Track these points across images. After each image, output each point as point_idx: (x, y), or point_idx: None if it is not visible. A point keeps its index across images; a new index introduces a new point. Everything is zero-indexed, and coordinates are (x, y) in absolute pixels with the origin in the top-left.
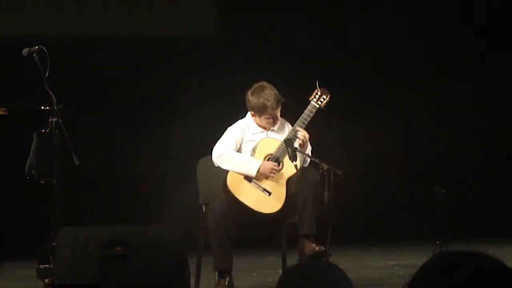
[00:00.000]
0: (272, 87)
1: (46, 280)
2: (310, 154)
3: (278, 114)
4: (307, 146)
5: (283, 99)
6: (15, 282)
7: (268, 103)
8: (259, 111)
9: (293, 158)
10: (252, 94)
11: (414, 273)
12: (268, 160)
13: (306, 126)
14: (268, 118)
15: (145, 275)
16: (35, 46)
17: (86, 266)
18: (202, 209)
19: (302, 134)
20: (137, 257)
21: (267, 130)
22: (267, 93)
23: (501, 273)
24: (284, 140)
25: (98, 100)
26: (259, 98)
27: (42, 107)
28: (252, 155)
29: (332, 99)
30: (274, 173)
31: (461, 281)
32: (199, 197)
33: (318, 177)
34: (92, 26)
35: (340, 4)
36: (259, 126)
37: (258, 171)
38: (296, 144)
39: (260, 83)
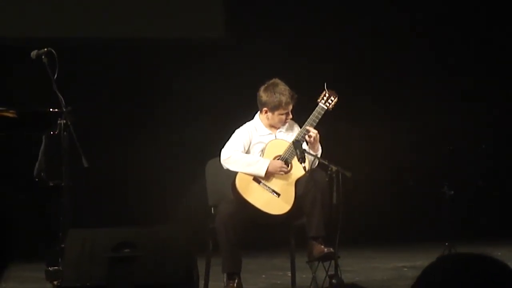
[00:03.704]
0: (284, 83)
1: (55, 282)
2: (319, 156)
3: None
4: (318, 146)
5: (296, 95)
6: (23, 284)
7: (284, 98)
8: (274, 107)
9: (301, 160)
10: (265, 90)
11: (416, 277)
12: None
13: (314, 128)
14: (282, 115)
15: (154, 276)
16: (44, 48)
17: (95, 268)
18: (211, 211)
19: (314, 132)
20: (145, 259)
21: (276, 131)
22: (282, 88)
23: (505, 275)
24: (293, 142)
25: (107, 101)
26: (274, 93)
27: (51, 109)
28: (261, 157)
29: (340, 100)
30: (283, 172)
31: (464, 284)
32: (208, 199)
33: (327, 179)
34: (99, 28)
35: (348, 5)
36: (270, 126)
37: (267, 170)
38: (304, 146)
39: (273, 80)
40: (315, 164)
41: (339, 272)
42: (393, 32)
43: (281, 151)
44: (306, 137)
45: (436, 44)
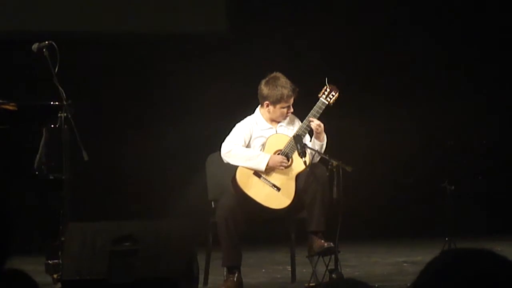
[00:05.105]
0: (285, 77)
1: (55, 276)
2: (324, 146)
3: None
4: (323, 136)
5: (298, 89)
6: None
7: (285, 91)
8: (276, 100)
9: (302, 154)
10: (267, 84)
11: (420, 271)
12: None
13: None
14: (284, 108)
15: (154, 270)
16: (45, 41)
17: (95, 261)
18: (211, 205)
19: (317, 123)
20: (145, 252)
21: (276, 125)
22: (283, 81)
23: (507, 270)
24: (294, 136)
25: (107, 95)
26: (275, 87)
27: (52, 102)
28: (262, 151)
29: (341, 95)
30: (283, 167)
31: (467, 278)
32: (208, 193)
33: (327, 174)
34: (99, 23)
35: (352, 1)
36: (271, 120)
37: (267, 165)
38: (305, 140)
39: (274, 73)
40: (316, 158)
41: (339, 267)
42: (394, 29)
43: (281, 146)
44: (312, 126)
45: (437, 41)
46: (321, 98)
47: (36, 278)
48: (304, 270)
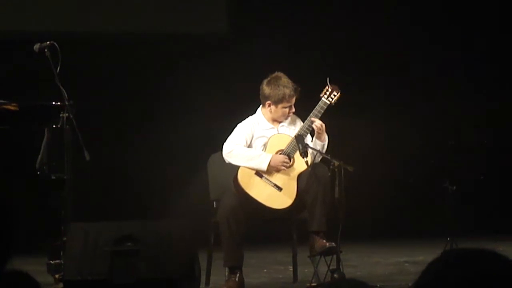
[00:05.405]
0: (286, 76)
1: (57, 276)
2: (326, 146)
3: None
4: (324, 136)
5: (299, 89)
6: None
7: (287, 91)
8: (278, 100)
9: (304, 154)
10: (269, 83)
11: (421, 271)
12: None
13: None
14: (285, 108)
15: (155, 270)
16: (47, 41)
17: (96, 261)
18: (213, 205)
19: (319, 123)
20: (147, 252)
21: (278, 125)
22: (285, 81)
23: (508, 270)
24: (295, 136)
25: (109, 96)
26: (277, 87)
27: (53, 103)
28: (263, 151)
29: (342, 95)
30: (285, 167)
31: (468, 278)
32: (210, 193)
33: (329, 174)
34: (101, 23)
35: (353, 2)
36: (273, 120)
37: (269, 164)
38: (307, 140)
39: (275, 73)
40: (318, 158)
41: (340, 267)
42: (394, 29)
43: (283, 146)
44: (314, 126)
45: (437, 40)
46: (322, 98)
47: (37, 278)
48: (306, 270)
